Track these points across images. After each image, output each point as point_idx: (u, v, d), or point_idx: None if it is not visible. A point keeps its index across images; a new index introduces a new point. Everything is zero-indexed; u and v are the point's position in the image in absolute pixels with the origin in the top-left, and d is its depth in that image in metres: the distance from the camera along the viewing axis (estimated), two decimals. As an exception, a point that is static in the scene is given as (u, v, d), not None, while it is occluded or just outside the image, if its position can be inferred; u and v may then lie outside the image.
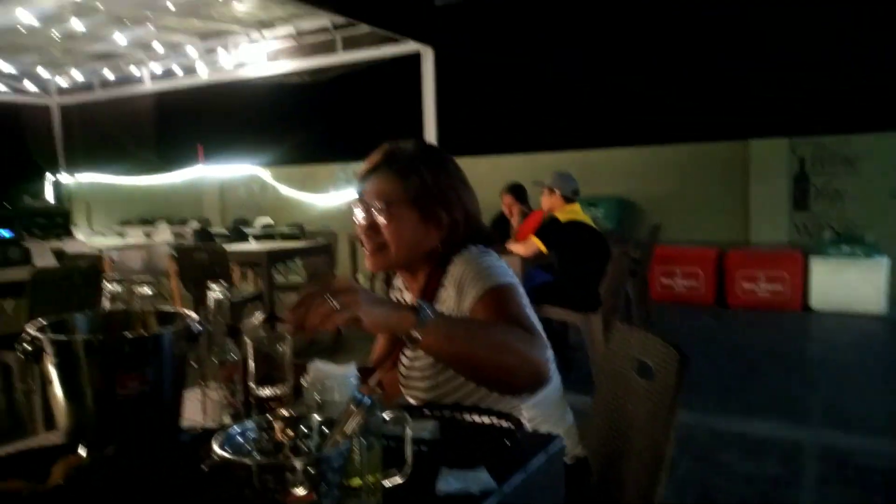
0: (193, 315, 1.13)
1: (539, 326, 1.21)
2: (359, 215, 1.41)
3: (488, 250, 1.37)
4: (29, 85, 10.65)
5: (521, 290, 1.29)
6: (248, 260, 5.52)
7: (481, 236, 1.43)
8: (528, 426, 1.32)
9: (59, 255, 5.66)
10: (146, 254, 6.45)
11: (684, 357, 1.33)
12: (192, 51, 9.37)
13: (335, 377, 0.91)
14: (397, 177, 1.37)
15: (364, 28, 7.94)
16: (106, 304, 1.11)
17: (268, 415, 0.94)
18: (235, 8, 7.94)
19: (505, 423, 1.20)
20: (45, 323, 1.06)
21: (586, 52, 8.33)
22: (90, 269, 3.71)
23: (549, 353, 1.14)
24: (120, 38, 8.50)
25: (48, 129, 11.16)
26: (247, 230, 7.67)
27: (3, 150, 11.57)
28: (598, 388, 1.66)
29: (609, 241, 4.36)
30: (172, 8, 7.59)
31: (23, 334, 1.02)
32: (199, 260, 4.66)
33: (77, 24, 7.79)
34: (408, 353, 1.43)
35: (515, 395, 1.28)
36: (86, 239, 6.99)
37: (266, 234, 7.25)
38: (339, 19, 7.96)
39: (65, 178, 11.36)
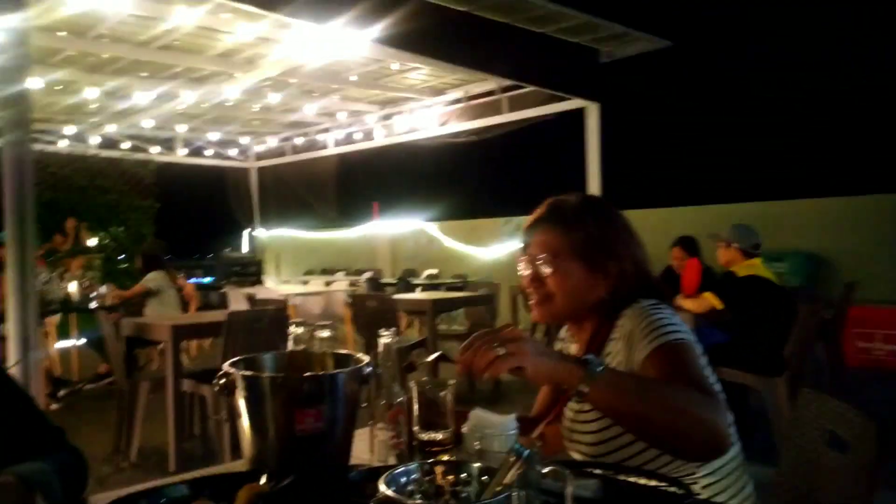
0: (365, 358, 1.19)
1: (717, 388, 1.13)
2: (524, 267, 1.42)
3: (661, 303, 1.31)
4: (232, 151, 12.12)
5: (698, 348, 1.21)
6: (415, 308, 5.75)
7: (651, 288, 1.39)
8: (703, 495, 1.22)
9: (251, 300, 6.30)
10: (325, 300, 6.95)
11: (885, 429, 1.17)
12: (370, 117, 10.17)
13: (495, 426, 0.92)
14: (562, 229, 1.37)
15: (529, 89, 8.15)
16: (290, 345, 1.22)
17: (430, 459, 0.96)
18: (411, 78, 8.54)
19: (674, 490, 1.12)
20: (237, 360, 1.18)
21: (766, 96, 7.85)
22: (277, 314, 4.09)
23: (729, 418, 1.06)
24: (309, 109, 9.44)
25: (247, 189, 12.58)
26: (414, 281, 8.00)
27: (210, 208, 13.24)
28: (782, 459, 1.50)
29: (795, 299, 3.98)
30: (355, 79, 8.33)
31: (220, 371, 1.14)
32: (370, 307, 4.93)
33: (273, 98, 8.80)
34: (573, 406, 1.40)
35: (689, 459, 1.19)
36: (274, 286, 7.70)
37: (432, 285, 7.51)
38: (507, 83, 8.26)
39: (259, 232, 12.67)
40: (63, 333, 6.63)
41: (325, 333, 1.18)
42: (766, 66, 7.70)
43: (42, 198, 10.36)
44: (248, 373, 1.11)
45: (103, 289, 6.48)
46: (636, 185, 8.34)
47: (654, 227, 5.69)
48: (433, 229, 10.07)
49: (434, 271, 9.21)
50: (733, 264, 4.08)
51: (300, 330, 1.21)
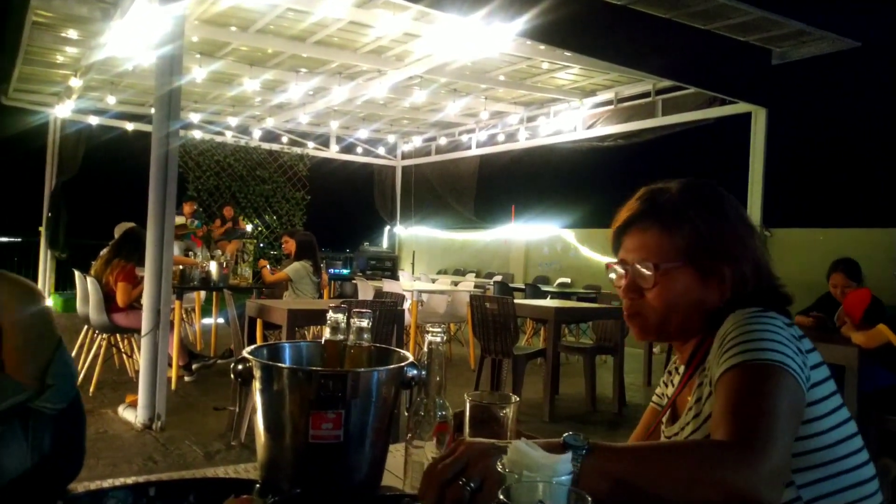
0: (408, 356, 0.97)
1: (780, 429, 0.81)
2: (617, 275, 1.13)
3: (768, 312, 0.98)
4: (380, 149, 12.47)
5: (792, 377, 0.87)
6: (537, 315, 5.46)
7: (776, 293, 1.07)
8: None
9: (378, 292, 6.33)
10: (450, 300, 6.84)
11: None
12: (513, 118, 9.98)
13: (540, 469, 0.66)
14: (663, 228, 1.08)
15: (687, 91, 7.55)
16: (327, 333, 1.03)
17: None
18: (560, 77, 8.23)
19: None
20: (262, 345, 1.01)
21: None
22: (391, 306, 3.99)
23: (768, 467, 0.77)
24: (453, 108, 9.43)
25: (391, 186, 12.90)
26: (545, 288, 7.69)
27: (356, 203, 13.72)
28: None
29: None
30: (502, 79, 8.17)
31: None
32: (490, 310, 4.72)
33: (420, 96, 8.86)
34: (667, 432, 1.12)
35: None
36: (405, 282, 7.72)
37: (562, 293, 7.16)
38: (663, 84, 7.71)
39: (398, 228, 12.93)
40: (207, 311, 7.07)
41: (364, 323, 0.97)
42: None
43: (208, 183, 11.29)
44: (264, 361, 0.93)
45: (247, 271, 6.82)
46: (801, 201, 7.42)
47: (817, 249, 4.98)
48: (570, 236, 9.66)
49: (567, 280, 8.82)
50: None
51: (339, 315, 1.01)
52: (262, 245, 11.67)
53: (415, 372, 0.97)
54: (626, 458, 0.80)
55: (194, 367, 5.35)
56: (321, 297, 6.13)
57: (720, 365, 0.92)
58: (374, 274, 9.32)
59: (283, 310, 3.76)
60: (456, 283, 8.05)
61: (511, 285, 7.91)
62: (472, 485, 0.74)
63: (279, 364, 0.93)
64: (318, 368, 0.96)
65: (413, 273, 10.66)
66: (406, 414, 0.98)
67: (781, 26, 6.09)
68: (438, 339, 0.96)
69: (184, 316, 6.34)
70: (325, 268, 6.75)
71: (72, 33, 7.01)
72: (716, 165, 7.89)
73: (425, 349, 0.97)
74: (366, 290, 6.64)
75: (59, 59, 7.98)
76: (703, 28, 6.10)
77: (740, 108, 7.09)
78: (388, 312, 3.78)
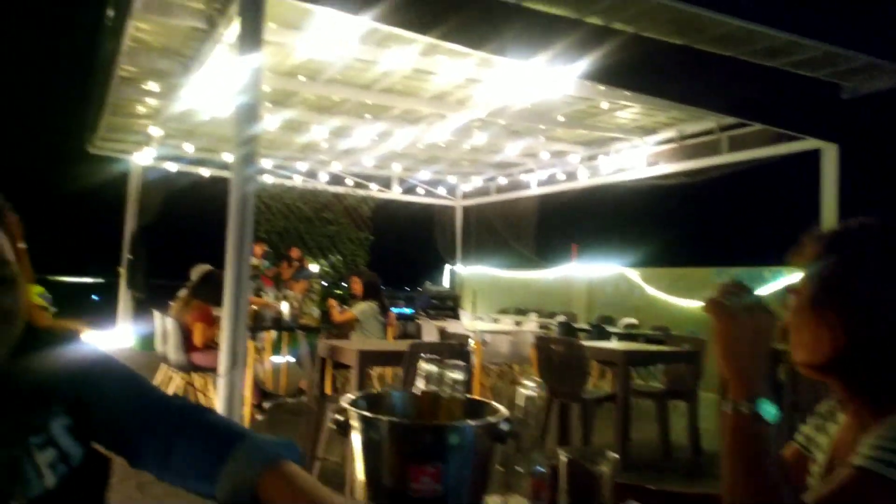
0: (503, 409, 1.00)
1: None
2: (790, 304, 1.08)
3: None
4: (440, 189, 12.66)
5: None
6: (606, 358, 5.35)
7: None
8: None
9: (442, 333, 6.37)
10: (513, 340, 6.80)
11: None
12: (574, 157, 9.98)
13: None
14: (840, 268, 1.02)
15: (753, 127, 7.42)
16: (420, 383, 1.06)
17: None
18: (620, 117, 8.23)
19: None
20: (360, 396, 1.05)
21: None
22: (458, 348, 4.01)
23: None
24: (512, 149, 9.52)
25: (451, 226, 13.04)
26: (610, 328, 7.55)
27: (418, 243, 13.91)
28: None
29: None
30: (562, 119, 8.23)
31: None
32: (557, 352, 4.67)
33: (480, 138, 9.00)
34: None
35: None
36: (467, 322, 7.74)
37: (629, 335, 7.02)
38: (727, 120, 7.60)
39: (459, 267, 13.00)
40: (277, 350, 7.25)
41: (458, 375, 1.00)
42: None
43: (277, 225, 11.70)
44: (363, 412, 0.97)
45: (315, 311, 7.00)
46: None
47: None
48: (634, 275, 9.49)
49: (633, 320, 8.63)
50: None
51: (431, 367, 1.05)
52: (326, 284, 11.94)
53: (509, 426, 0.99)
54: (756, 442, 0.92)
55: (266, 405, 5.47)
56: (386, 336, 6.24)
57: (856, 457, 0.88)
58: (437, 313, 9.38)
59: (354, 351, 3.83)
60: (518, 323, 8.00)
61: (575, 325, 7.81)
62: None
63: (380, 416, 0.96)
64: (418, 422, 0.99)
65: (474, 312, 10.66)
66: (500, 468, 1.00)
67: (850, 60, 5.94)
68: (534, 394, 0.98)
69: (256, 354, 6.53)
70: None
71: (153, 86, 7.48)
72: (784, 203, 7.65)
73: (521, 403, 0.99)
74: (430, 330, 6.69)
75: (141, 109, 8.50)
76: (768, 65, 6.02)
77: (809, 144, 6.90)
78: (456, 355, 3.80)
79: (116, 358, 1.04)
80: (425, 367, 1.06)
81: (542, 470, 0.98)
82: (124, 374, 1.02)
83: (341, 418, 0.99)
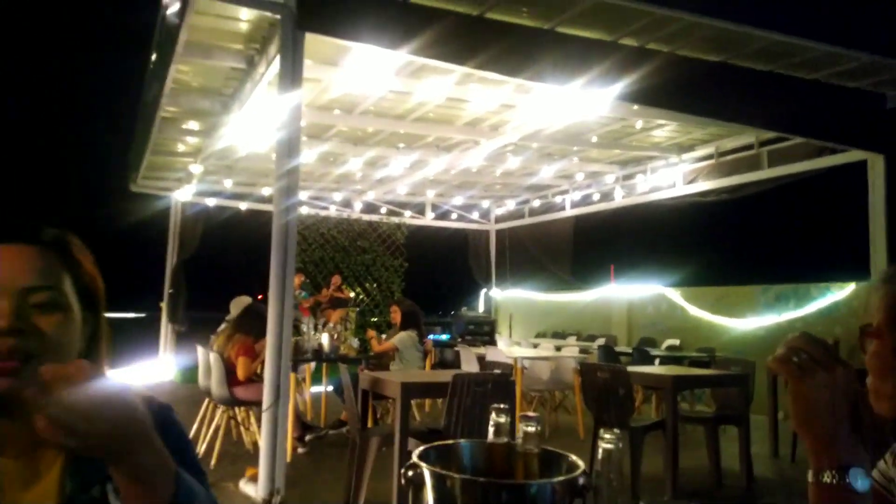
0: (580, 463, 0.95)
1: None
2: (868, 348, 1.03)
3: None
4: (474, 214, 12.67)
5: None
6: (653, 384, 5.22)
7: None
8: None
9: (481, 360, 6.29)
10: (554, 366, 6.69)
11: None
12: (609, 177, 9.90)
13: None
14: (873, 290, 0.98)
15: (794, 141, 7.27)
16: (490, 434, 1.03)
17: None
18: (656, 135, 8.14)
19: None
20: (430, 447, 1.01)
21: None
22: (502, 378, 3.96)
23: None
24: (546, 171, 9.48)
25: (486, 250, 13.00)
26: (652, 351, 7.39)
27: (452, 267, 13.90)
28: None
29: None
30: (595, 140, 8.17)
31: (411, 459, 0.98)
32: (601, 378, 4.57)
33: (513, 162, 8.99)
34: None
35: None
36: (505, 347, 7.65)
37: (672, 357, 6.86)
38: (767, 135, 7.47)
39: (494, 292, 12.92)
40: (316, 380, 7.25)
41: (531, 428, 0.97)
42: None
43: (314, 255, 11.80)
44: (437, 469, 0.94)
45: (355, 341, 6.99)
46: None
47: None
48: (675, 295, 9.31)
49: (675, 342, 8.44)
50: None
51: (502, 419, 1.01)
52: (360, 311, 11.97)
53: (586, 480, 0.94)
54: None
55: (307, 438, 5.46)
56: (425, 364, 6.20)
57: None
58: (474, 339, 9.31)
59: (397, 383, 3.80)
60: (559, 348, 7.89)
61: (616, 349, 7.66)
62: None
63: (453, 475, 0.93)
64: (494, 480, 0.95)
65: (511, 336, 10.56)
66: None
67: (894, 70, 5.80)
68: (613, 447, 0.94)
69: (296, 386, 6.54)
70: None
71: (193, 125, 7.66)
72: (830, 217, 7.44)
73: (599, 456, 0.94)
74: (468, 357, 6.63)
75: (182, 148, 8.71)
76: (809, 78, 5.90)
77: (854, 156, 6.73)
78: (501, 385, 3.75)
79: (175, 413, 1.03)
80: (496, 419, 1.02)
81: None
82: (180, 433, 1.01)
83: (411, 473, 0.95)
